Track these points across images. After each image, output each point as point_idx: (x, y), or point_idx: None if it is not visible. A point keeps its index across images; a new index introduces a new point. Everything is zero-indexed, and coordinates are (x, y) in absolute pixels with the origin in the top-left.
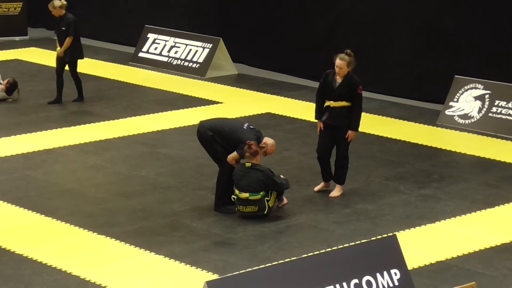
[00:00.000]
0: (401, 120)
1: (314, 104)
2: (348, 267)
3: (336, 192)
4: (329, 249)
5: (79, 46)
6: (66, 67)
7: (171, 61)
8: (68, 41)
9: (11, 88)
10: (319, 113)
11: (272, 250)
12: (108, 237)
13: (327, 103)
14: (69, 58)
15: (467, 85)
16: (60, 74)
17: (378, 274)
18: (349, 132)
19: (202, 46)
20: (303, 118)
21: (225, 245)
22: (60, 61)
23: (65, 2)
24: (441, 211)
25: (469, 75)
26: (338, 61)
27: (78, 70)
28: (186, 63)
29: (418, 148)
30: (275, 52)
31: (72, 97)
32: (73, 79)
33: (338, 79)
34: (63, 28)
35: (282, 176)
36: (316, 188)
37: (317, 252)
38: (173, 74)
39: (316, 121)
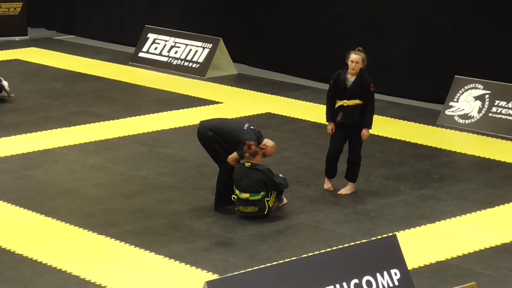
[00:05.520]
0: (401, 120)
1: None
2: (348, 267)
3: (346, 190)
4: (329, 249)
5: None
6: None
7: (171, 61)
8: None
9: None
10: (330, 115)
11: (272, 250)
12: (108, 237)
13: (340, 103)
14: None
15: (467, 85)
16: None
17: (378, 274)
18: (364, 130)
19: (202, 46)
20: (303, 118)
21: (225, 245)
22: None
23: None
24: (441, 211)
25: (469, 75)
26: (354, 56)
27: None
28: (186, 63)
29: (418, 148)
30: (275, 52)
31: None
32: None
33: (351, 78)
34: None
35: (280, 175)
36: (327, 187)
37: (317, 252)
38: (173, 74)
39: (326, 123)
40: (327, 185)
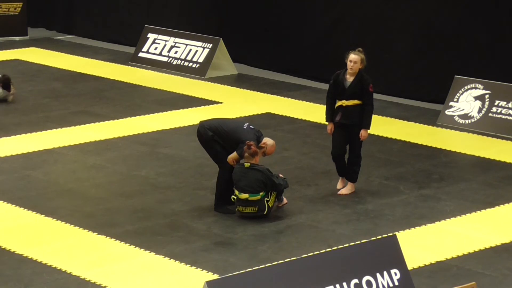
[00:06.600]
0: (401, 120)
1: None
2: (348, 267)
3: (346, 190)
4: (329, 249)
5: None
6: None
7: (171, 61)
8: None
9: (6, 82)
10: (330, 114)
11: (272, 250)
12: (108, 237)
13: (339, 103)
14: None
15: (467, 85)
16: None
17: (378, 274)
18: (362, 131)
19: (202, 46)
20: (303, 118)
21: (225, 245)
22: None
23: None
24: (441, 211)
25: (469, 75)
26: (352, 56)
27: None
28: (186, 63)
29: (418, 148)
30: (275, 52)
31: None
32: None
33: (349, 78)
34: None
35: (281, 175)
36: (339, 186)
37: (317, 252)
38: (173, 74)
39: (326, 122)
40: (340, 185)
